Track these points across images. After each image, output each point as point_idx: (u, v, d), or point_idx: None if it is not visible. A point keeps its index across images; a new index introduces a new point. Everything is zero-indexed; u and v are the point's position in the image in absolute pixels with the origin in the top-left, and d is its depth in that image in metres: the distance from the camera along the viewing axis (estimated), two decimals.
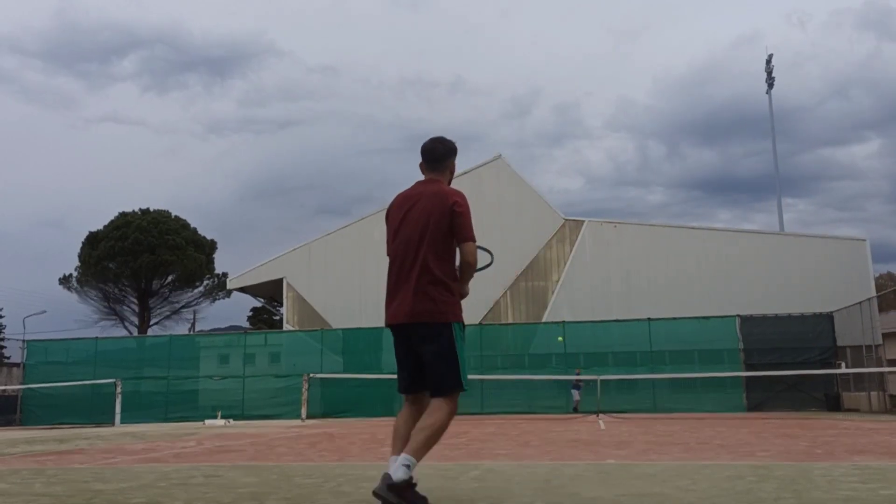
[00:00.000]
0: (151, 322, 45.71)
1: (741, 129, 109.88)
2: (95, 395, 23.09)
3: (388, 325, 4.05)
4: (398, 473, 3.53)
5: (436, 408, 3.76)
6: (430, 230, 3.92)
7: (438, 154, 4.17)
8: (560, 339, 22.77)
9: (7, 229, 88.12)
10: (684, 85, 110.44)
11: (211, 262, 46.97)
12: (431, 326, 3.86)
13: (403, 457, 3.60)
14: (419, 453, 3.63)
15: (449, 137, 4.28)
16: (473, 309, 27.49)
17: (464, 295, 4.03)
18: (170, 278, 44.72)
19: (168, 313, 46.81)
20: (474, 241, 3.97)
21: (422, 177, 4.22)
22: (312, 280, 29.53)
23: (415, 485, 3.63)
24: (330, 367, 23.31)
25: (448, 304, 3.89)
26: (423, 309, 3.86)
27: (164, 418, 22.68)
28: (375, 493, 3.55)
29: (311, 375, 21.06)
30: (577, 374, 21.36)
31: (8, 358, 40.03)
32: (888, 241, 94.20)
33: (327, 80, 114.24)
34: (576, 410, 20.90)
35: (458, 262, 4.00)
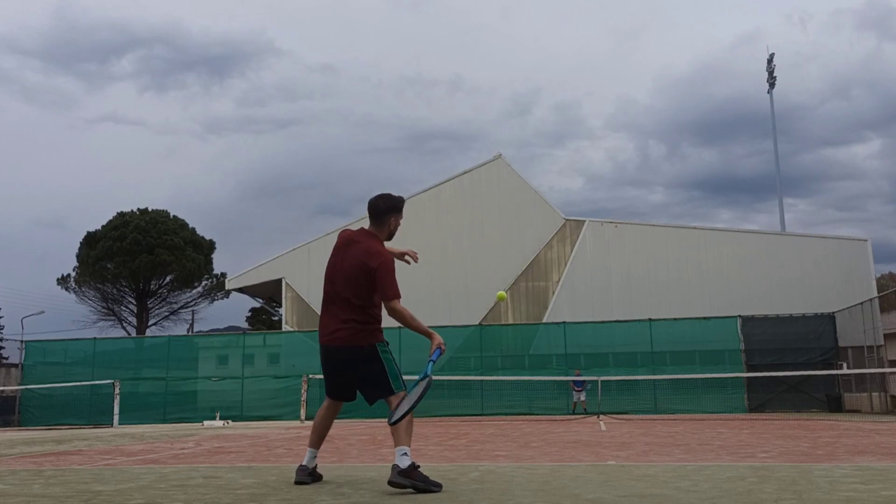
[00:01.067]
0: (150, 322, 45.70)
1: (742, 128, 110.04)
2: (94, 395, 23.06)
3: (321, 344, 4.85)
4: (403, 462, 4.35)
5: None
6: (355, 280, 4.75)
7: (379, 210, 4.90)
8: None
9: (5, 229, 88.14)
10: (685, 84, 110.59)
11: (209, 262, 46.95)
12: (354, 350, 4.75)
13: (398, 448, 4.42)
14: (409, 440, 4.51)
15: (396, 194, 5.05)
16: (473, 309, 27.48)
17: (437, 343, 4.74)
18: (168, 279, 44.70)
19: (166, 314, 46.84)
20: (398, 297, 4.67)
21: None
22: (312, 280, 29.47)
23: (418, 466, 4.41)
24: None
25: (367, 329, 4.74)
26: (347, 335, 4.73)
27: (163, 419, 22.65)
28: (391, 483, 4.34)
29: (311, 376, 21.02)
30: (577, 375, 21.26)
31: (6, 358, 40.06)
32: (889, 241, 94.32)
33: (327, 79, 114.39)
34: (574, 411, 20.81)
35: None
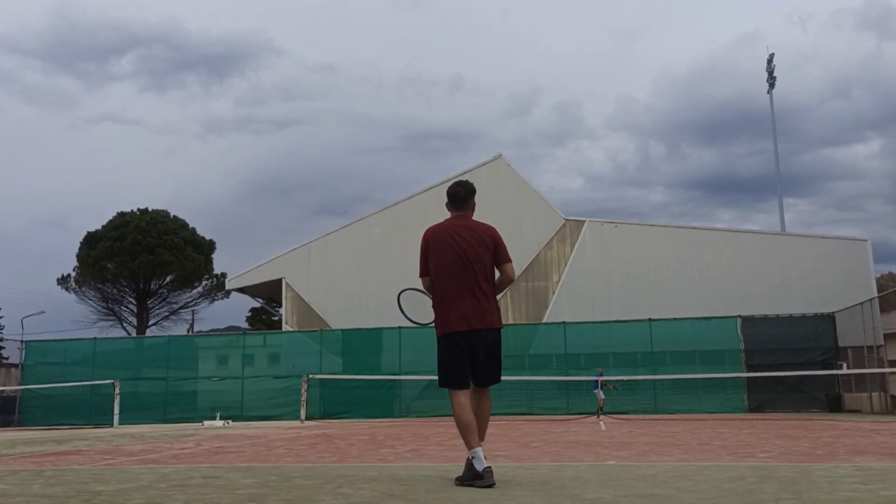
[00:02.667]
0: (150, 323, 45.70)
1: (742, 128, 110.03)
2: (94, 395, 23.06)
3: (456, 331, 4.78)
4: (484, 461, 4.48)
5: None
6: (484, 258, 4.90)
7: (461, 196, 5.08)
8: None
9: (5, 229, 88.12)
10: (685, 84, 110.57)
11: (210, 262, 46.94)
12: (495, 331, 4.87)
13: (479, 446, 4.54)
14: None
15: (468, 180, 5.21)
16: None
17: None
18: (168, 279, 44.69)
19: (167, 314, 46.82)
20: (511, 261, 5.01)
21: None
22: (311, 280, 29.50)
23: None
24: (329, 368, 23.28)
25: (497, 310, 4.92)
26: (497, 316, 4.90)
27: (163, 419, 22.66)
28: (489, 485, 4.38)
29: (311, 376, 21.03)
30: (601, 374, 20.69)
31: (6, 359, 40.03)
32: (889, 241, 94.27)
33: (326, 78, 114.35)
34: (602, 410, 20.28)
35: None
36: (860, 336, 21.02)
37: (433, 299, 4.98)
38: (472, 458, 4.55)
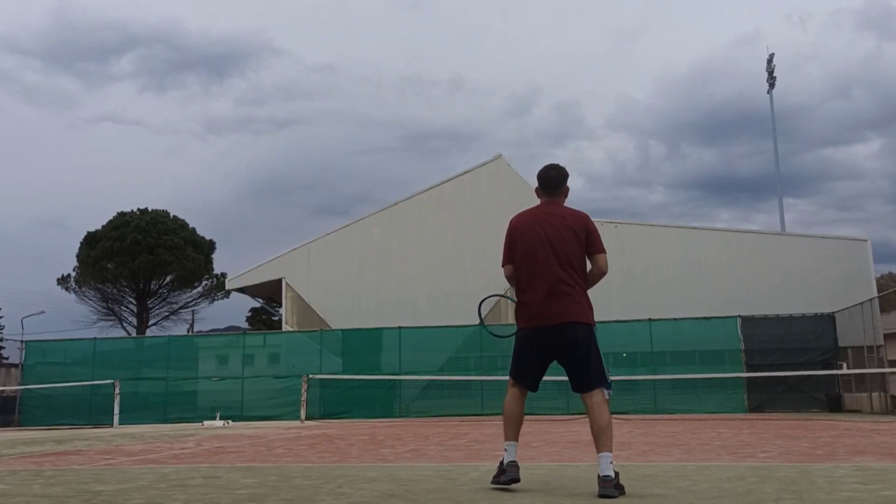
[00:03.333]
0: (150, 322, 45.70)
1: (742, 128, 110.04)
2: (94, 395, 23.05)
3: (539, 326, 4.42)
4: (610, 470, 4.06)
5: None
6: (570, 243, 4.46)
7: (555, 180, 4.77)
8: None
9: (5, 229, 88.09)
10: (685, 84, 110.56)
11: (210, 262, 46.94)
12: (578, 326, 4.38)
13: (607, 454, 4.12)
14: (611, 446, 4.21)
15: (561, 164, 4.91)
16: (473, 309, 27.39)
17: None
18: (168, 279, 44.69)
19: (167, 314, 46.83)
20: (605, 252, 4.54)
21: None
22: (311, 280, 29.49)
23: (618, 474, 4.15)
24: (329, 368, 23.27)
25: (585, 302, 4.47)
26: (577, 309, 4.40)
27: (163, 419, 22.64)
28: (602, 496, 3.97)
29: (311, 376, 21.02)
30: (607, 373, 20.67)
31: (6, 359, 40.02)
32: (889, 241, 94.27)
33: (326, 78, 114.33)
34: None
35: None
36: (860, 336, 21.01)
37: (516, 289, 4.63)
38: (504, 450, 4.47)
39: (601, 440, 4.19)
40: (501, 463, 4.46)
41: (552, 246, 4.44)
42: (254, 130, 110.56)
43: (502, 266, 4.70)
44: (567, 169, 4.82)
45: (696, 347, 22.63)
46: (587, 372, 4.40)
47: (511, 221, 4.74)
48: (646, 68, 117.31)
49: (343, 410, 22.19)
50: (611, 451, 4.16)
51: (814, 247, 27.42)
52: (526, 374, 4.59)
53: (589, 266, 4.56)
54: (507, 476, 4.35)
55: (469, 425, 14.96)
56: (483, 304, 5.04)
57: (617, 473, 4.13)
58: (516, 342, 4.59)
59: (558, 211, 4.63)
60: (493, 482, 4.48)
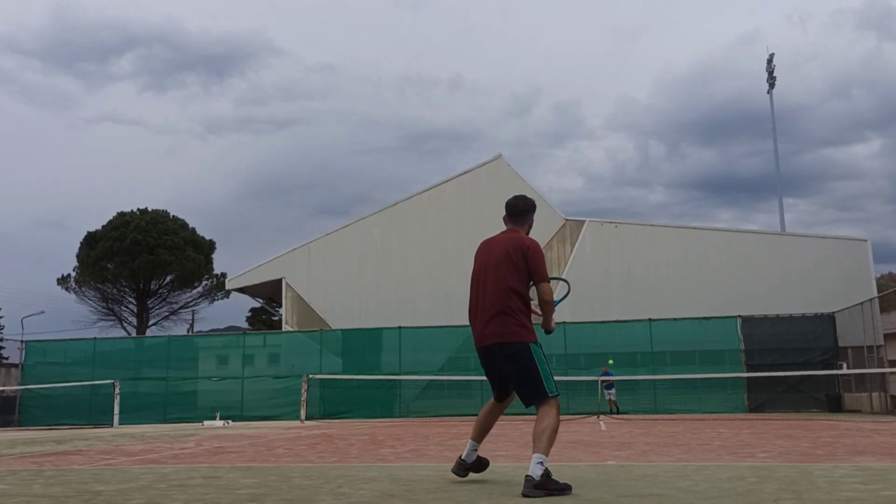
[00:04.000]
0: (150, 322, 45.69)
1: (742, 128, 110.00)
2: (94, 395, 23.05)
3: (478, 347, 4.77)
4: (536, 471, 4.20)
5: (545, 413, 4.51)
6: (509, 267, 4.71)
7: (520, 209, 5.04)
8: (610, 361, 21.82)
9: (5, 229, 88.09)
10: (685, 84, 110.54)
11: (210, 262, 46.94)
12: (509, 346, 4.59)
13: (536, 455, 4.27)
14: (547, 450, 4.34)
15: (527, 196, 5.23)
16: None
17: (549, 330, 4.74)
18: (168, 279, 44.68)
19: (166, 314, 46.82)
20: (548, 281, 4.70)
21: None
22: (311, 280, 29.49)
23: (550, 473, 4.29)
24: (329, 368, 23.28)
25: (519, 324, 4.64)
26: (504, 329, 4.61)
27: (163, 419, 22.65)
28: (524, 495, 4.16)
29: (311, 376, 21.02)
30: (605, 372, 20.51)
31: (6, 359, 40.02)
32: (889, 241, 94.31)
33: (326, 78, 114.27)
34: (614, 411, 20.09)
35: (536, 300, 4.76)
36: (860, 336, 21.01)
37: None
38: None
39: (536, 442, 4.38)
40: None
41: (493, 272, 4.73)
42: (254, 130, 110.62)
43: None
44: (534, 201, 5.15)
45: (696, 347, 22.64)
46: (523, 388, 4.62)
47: (478, 249, 5.07)
48: (646, 68, 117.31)
49: (343, 410, 22.19)
50: (544, 454, 4.30)
51: (814, 247, 27.43)
52: (492, 387, 4.95)
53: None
54: (453, 468, 4.92)
55: (469, 425, 14.94)
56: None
57: (548, 473, 4.25)
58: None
59: (508, 237, 4.89)
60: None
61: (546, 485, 4.20)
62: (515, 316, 4.61)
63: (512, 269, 4.67)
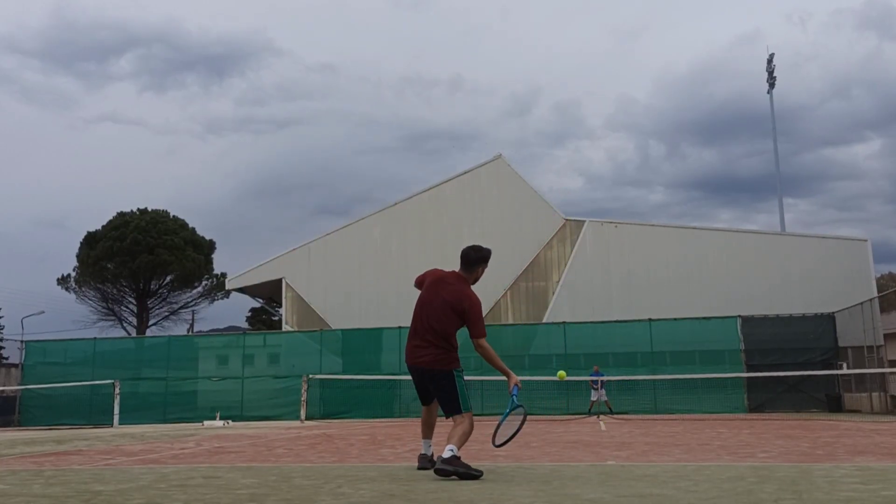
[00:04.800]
0: (150, 322, 45.70)
1: (742, 128, 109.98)
2: (94, 395, 23.06)
3: (408, 364, 5.69)
4: (446, 454, 5.02)
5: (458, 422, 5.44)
6: (446, 316, 5.52)
7: (472, 259, 5.69)
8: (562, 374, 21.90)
9: (5, 229, 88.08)
10: (685, 84, 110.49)
11: (210, 262, 46.95)
12: (435, 372, 5.52)
13: (449, 445, 5.10)
14: (459, 444, 5.19)
15: (484, 245, 5.85)
16: None
17: (514, 382, 5.55)
18: (168, 279, 44.69)
19: (166, 314, 46.83)
20: (484, 336, 5.49)
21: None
22: (311, 280, 29.49)
23: (459, 457, 5.08)
24: (329, 368, 23.28)
25: (449, 357, 5.54)
26: (431, 359, 5.51)
27: (163, 419, 22.65)
28: (437, 471, 5.03)
29: (311, 376, 21.03)
30: (596, 371, 20.52)
31: (6, 359, 40.01)
32: (889, 241, 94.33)
33: (326, 78, 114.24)
34: (591, 411, 20.19)
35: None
36: (860, 336, 21.01)
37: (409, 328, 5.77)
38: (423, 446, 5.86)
39: (450, 438, 5.22)
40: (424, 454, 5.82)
41: (436, 312, 5.51)
42: (254, 130, 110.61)
43: (415, 285, 5.89)
44: (490, 251, 5.78)
45: (696, 347, 22.64)
46: (446, 404, 5.53)
47: (430, 271, 5.84)
48: (646, 68, 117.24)
49: (343, 410, 22.19)
50: (455, 445, 5.13)
51: (814, 247, 27.43)
52: (419, 394, 5.87)
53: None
54: (419, 465, 5.74)
55: None
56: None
57: (457, 457, 5.03)
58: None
59: (456, 288, 5.58)
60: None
61: (453, 462, 4.97)
62: (446, 351, 5.49)
63: (451, 319, 5.48)
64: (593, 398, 20.51)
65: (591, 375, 20.44)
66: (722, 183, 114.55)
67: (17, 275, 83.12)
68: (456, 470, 4.96)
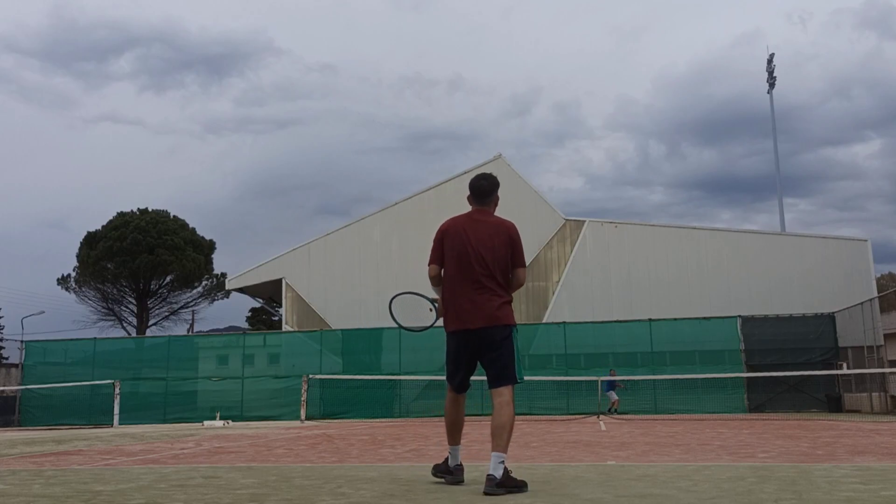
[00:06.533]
0: (150, 322, 45.70)
1: (742, 128, 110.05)
2: (94, 395, 23.07)
3: (453, 330, 4.70)
4: (498, 471, 4.25)
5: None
6: (500, 254, 4.69)
7: (485, 189, 4.87)
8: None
9: (5, 229, 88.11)
10: (685, 84, 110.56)
11: (210, 262, 46.96)
12: (497, 329, 4.62)
13: (497, 455, 4.32)
14: (507, 445, 4.42)
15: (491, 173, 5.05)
16: None
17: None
18: (168, 279, 44.70)
19: (167, 314, 46.85)
20: (525, 266, 4.81)
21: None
22: (311, 280, 29.49)
23: (510, 471, 4.35)
24: (329, 368, 23.28)
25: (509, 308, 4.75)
26: (499, 312, 4.65)
27: (163, 419, 22.66)
28: (486, 494, 4.16)
29: (311, 376, 21.03)
30: (612, 375, 20.63)
31: (6, 358, 40.04)
32: (889, 241, 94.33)
33: (326, 78, 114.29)
34: (611, 411, 20.11)
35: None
36: (860, 336, 21.02)
37: (443, 292, 4.81)
38: (449, 454, 4.83)
39: (496, 439, 4.41)
40: (446, 462, 4.82)
41: (478, 252, 4.65)
42: (254, 130, 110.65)
43: (428, 265, 4.86)
44: (497, 178, 4.99)
45: (696, 347, 22.65)
46: (498, 368, 4.61)
47: (442, 226, 4.88)
48: (646, 68, 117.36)
49: (343, 410, 22.19)
50: (503, 452, 4.34)
51: (814, 247, 27.43)
52: (455, 378, 4.79)
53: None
54: (454, 478, 4.73)
55: (469, 425, 14.94)
56: (395, 302, 5.11)
57: (507, 471, 4.30)
58: (447, 345, 4.80)
59: (487, 219, 4.80)
60: (437, 474, 4.83)
61: (507, 481, 4.26)
62: (507, 299, 4.72)
63: (506, 253, 4.70)
64: (614, 398, 20.49)
65: (606, 376, 20.38)
66: (722, 183, 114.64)
67: (17, 275, 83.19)
68: (509, 491, 4.24)
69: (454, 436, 4.83)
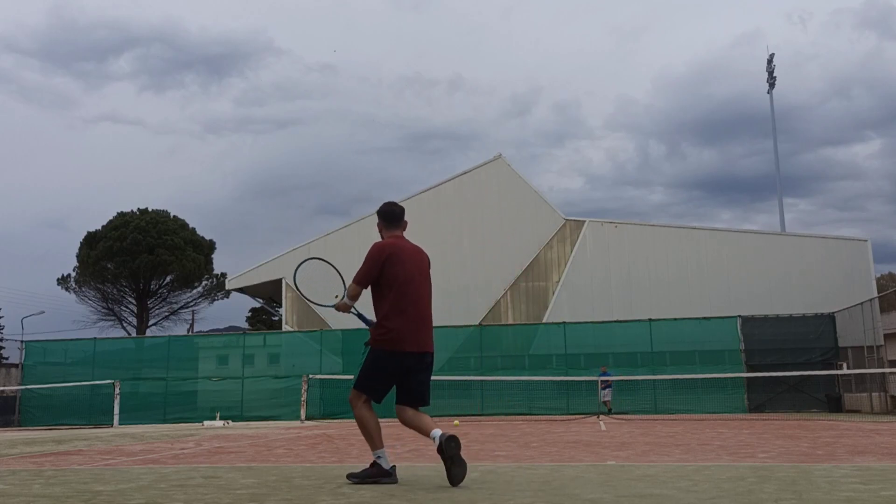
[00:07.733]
0: (150, 322, 45.71)
1: (742, 128, 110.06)
2: (94, 395, 23.06)
3: (415, 352, 4.94)
4: (447, 435, 4.57)
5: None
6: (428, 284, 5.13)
7: (398, 214, 5.23)
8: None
9: (5, 229, 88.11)
10: (685, 84, 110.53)
11: (209, 262, 46.97)
12: (432, 354, 5.09)
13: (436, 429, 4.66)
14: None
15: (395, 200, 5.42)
16: (473, 309, 27.46)
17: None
18: (168, 279, 44.71)
19: (167, 314, 46.86)
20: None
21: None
22: None
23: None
24: (329, 368, 23.27)
25: None
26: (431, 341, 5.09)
27: (163, 419, 22.65)
28: (454, 455, 4.51)
29: (311, 376, 21.02)
30: (603, 372, 20.52)
31: (6, 358, 40.04)
32: (889, 241, 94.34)
33: (326, 78, 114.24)
34: (609, 411, 20.11)
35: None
36: (860, 336, 21.02)
37: (383, 309, 4.94)
38: (378, 457, 4.94)
39: (430, 425, 4.79)
40: (378, 466, 4.91)
41: (424, 278, 5.08)
42: (253, 130, 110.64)
43: (356, 283, 5.01)
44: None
45: (696, 347, 22.64)
46: (426, 389, 5.00)
47: (380, 246, 5.05)
48: (646, 68, 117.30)
49: (343, 410, 22.15)
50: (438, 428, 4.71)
51: (814, 247, 27.44)
52: (379, 391, 5.06)
53: None
54: (393, 479, 4.89)
55: (469, 425, 14.96)
56: (301, 270, 5.50)
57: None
58: (378, 361, 5.05)
59: (412, 245, 5.15)
60: (377, 480, 4.83)
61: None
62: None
63: (429, 284, 5.13)
64: (606, 398, 20.41)
65: (599, 376, 20.37)
66: (722, 183, 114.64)
67: (17, 275, 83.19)
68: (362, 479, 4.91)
69: (380, 439, 5.01)
